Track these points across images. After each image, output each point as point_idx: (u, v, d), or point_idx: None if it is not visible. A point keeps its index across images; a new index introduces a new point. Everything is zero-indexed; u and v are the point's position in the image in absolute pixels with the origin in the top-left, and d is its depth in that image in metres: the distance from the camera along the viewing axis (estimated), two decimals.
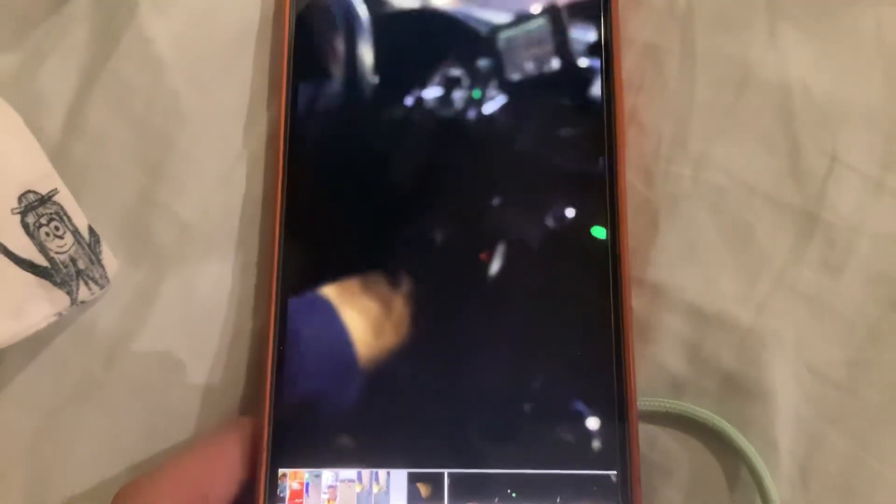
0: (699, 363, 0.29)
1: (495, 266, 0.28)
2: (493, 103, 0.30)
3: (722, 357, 0.29)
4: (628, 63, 0.31)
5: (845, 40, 0.30)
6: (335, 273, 0.29)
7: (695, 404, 0.29)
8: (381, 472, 0.27)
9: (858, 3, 0.30)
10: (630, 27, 0.31)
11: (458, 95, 0.30)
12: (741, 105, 0.30)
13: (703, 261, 0.30)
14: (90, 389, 0.29)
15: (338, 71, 0.30)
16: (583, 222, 0.29)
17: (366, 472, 0.27)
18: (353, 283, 0.28)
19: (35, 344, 0.29)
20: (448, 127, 0.30)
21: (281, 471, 0.27)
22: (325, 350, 0.28)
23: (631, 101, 0.30)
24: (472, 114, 0.30)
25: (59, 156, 0.30)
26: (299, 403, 0.28)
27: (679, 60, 0.31)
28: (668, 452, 0.29)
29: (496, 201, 0.29)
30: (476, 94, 0.30)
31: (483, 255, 0.29)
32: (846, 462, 0.29)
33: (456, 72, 0.30)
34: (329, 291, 0.28)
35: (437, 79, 0.30)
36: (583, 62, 0.30)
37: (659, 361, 0.30)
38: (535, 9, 0.30)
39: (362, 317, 0.28)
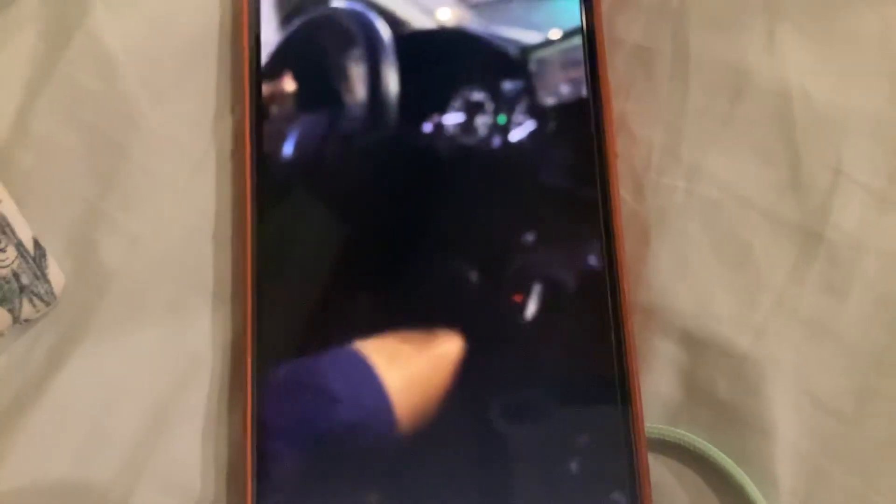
0: (693, 391, 0.28)
1: (509, 304, 0.28)
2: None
3: (717, 385, 0.28)
4: (616, 67, 0.30)
5: (849, 43, 0.29)
6: (320, 331, 0.28)
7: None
8: None
9: (862, 3, 0.29)
10: (617, 27, 0.30)
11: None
12: (737, 112, 0.29)
13: (697, 281, 0.29)
14: (21, 415, 0.28)
15: (323, 88, 0.29)
16: (577, 249, 0.28)
17: None
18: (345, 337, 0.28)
19: None
20: (425, 154, 0.29)
21: None
22: (308, 405, 0.27)
23: (619, 108, 0.30)
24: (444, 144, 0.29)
25: (2, 163, 0.29)
26: (283, 458, 0.27)
27: (671, 64, 0.30)
28: (663, 485, 0.28)
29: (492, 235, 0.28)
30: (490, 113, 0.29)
31: (517, 298, 0.28)
32: (851, 500, 0.27)
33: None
34: (308, 351, 0.28)
35: (448, 100, 0.29)
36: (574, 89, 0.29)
37: (650, 388, 0.28)
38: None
39: (353, 374, 0.27)
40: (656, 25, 0.30)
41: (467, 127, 0.29)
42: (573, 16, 0.29)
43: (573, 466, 0.27)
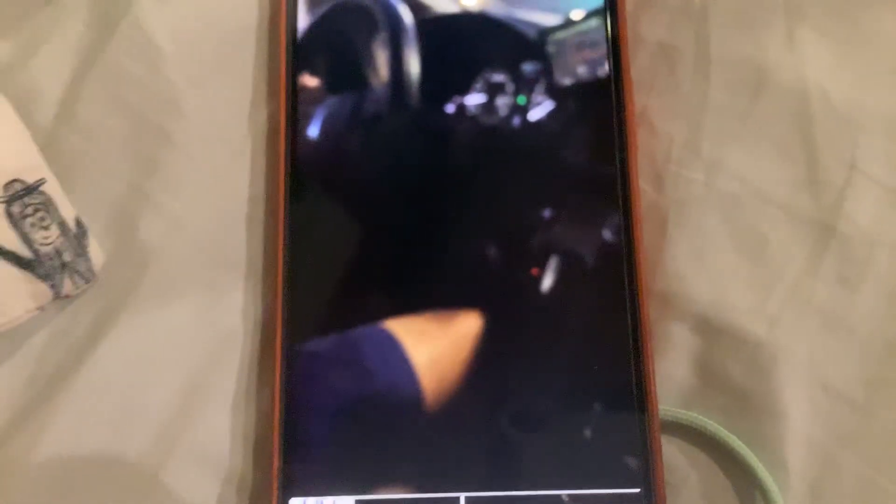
0: (707, 377, 0.29)
1: (530, 283, 0.28)
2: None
3: (731, 372, 0.28)
4: (639, 63, 0.30)
5: (867, 43, 0.30)
6: (347, 309, 0.28)
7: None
8: (398, 499, 0.27)
9: (881, 3, 0.30)
10: (642, 25, 0.30)
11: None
12: (757, 109, 0.29)
13: (714, 270, 0.29)
14: (60, 388, 0.28)
15: (351, 73, 0.30)
16: (596, 229, 0.28)
17: (381, 499, 0.27)
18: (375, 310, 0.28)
19: (13, 338, 0.28)
20: (450, 135, 0.29)
21: (293, 500, 0.27)
22: (335, 381, 0.28)
23: (642, 103, 0.30)
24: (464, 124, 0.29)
25: (49, 145, 0.29)
26: (309, 434, 0.27)
27: (693, 61, 0.30)
28: (674, 465, 0.28)
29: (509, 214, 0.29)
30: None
31: (538, 277, 0.28)
32: (860, 486, 0.28)
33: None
34: (336, 328, 0.28)
35: (471, 82, 0.29)
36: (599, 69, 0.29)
37: (666, 373, 0.29)
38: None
39: (377, 345, 0.28)
40: (679, 24, 0.30)
41: (490, 108, 0.29)
42: None
43: (587, 443, 0.27)
